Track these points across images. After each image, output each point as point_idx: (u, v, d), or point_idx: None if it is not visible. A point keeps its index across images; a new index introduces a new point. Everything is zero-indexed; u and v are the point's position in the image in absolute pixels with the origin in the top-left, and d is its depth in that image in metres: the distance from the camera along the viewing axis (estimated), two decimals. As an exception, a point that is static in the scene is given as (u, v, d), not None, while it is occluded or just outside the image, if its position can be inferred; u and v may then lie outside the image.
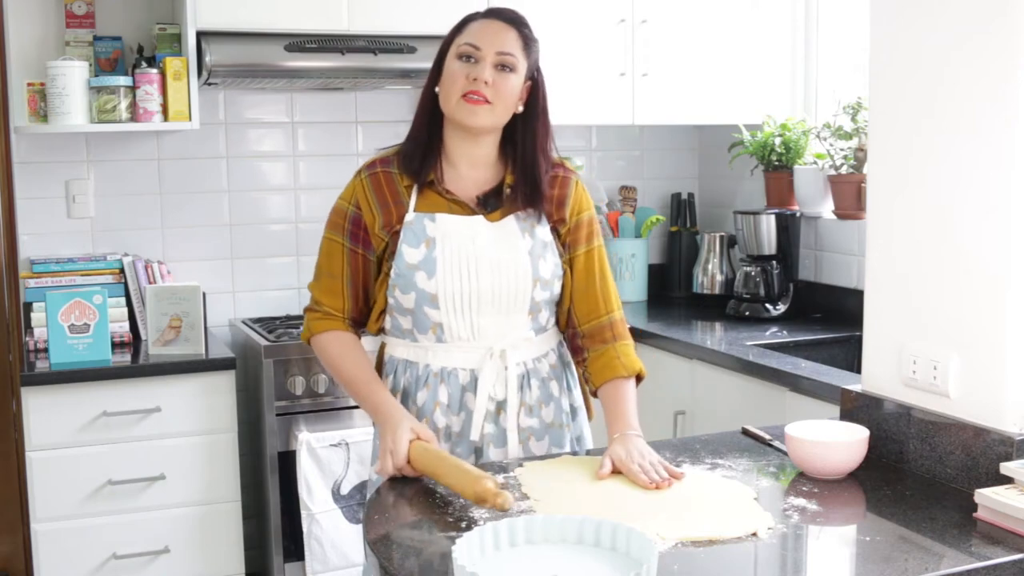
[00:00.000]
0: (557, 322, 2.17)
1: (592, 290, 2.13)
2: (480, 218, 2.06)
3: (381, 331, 2.15)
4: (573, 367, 2.21)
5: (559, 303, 2.14)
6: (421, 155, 2.08)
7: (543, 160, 2.09)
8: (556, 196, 2.12)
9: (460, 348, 2.06)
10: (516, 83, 2.04)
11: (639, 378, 2.12)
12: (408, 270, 2.03)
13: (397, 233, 2.05)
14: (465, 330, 2.05)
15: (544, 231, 2.09)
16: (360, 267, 2.10)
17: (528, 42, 2.07)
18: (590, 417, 2.24)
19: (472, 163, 2.10)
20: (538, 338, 2.12)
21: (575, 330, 2.14)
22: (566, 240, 2.13)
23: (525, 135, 2.09)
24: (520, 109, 2.08)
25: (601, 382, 2.10)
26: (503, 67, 2.02)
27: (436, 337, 2.06)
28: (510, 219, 2.08)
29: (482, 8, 2.14)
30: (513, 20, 2.07)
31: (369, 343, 2.20)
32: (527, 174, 2.08)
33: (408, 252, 2.04)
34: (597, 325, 2.12)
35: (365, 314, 2.15)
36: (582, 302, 2.13)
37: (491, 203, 2.08)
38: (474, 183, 2.10)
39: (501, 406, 2.08)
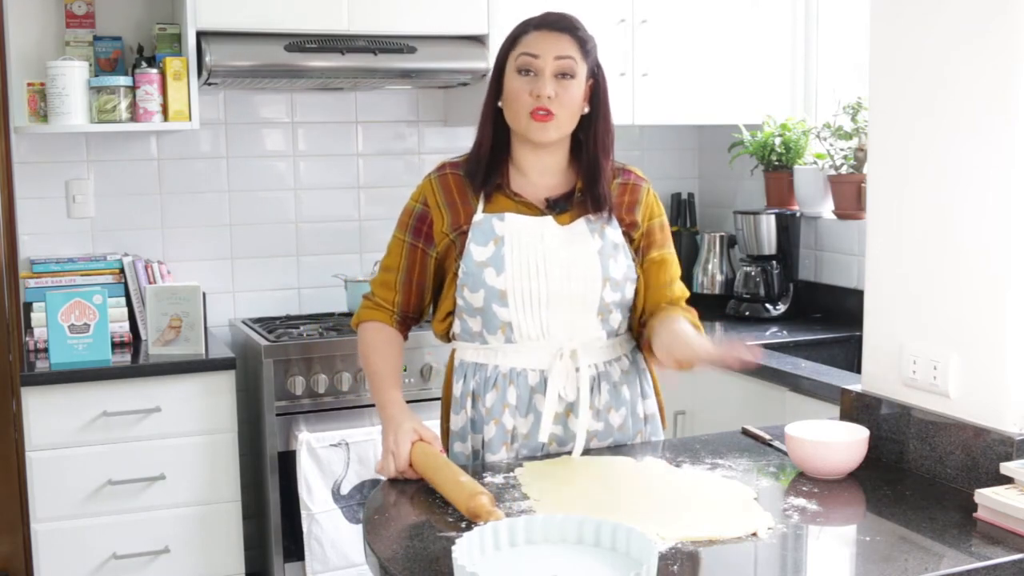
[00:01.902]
0: (631, 328, 2.16)
1: (663, 292, 2.15)
2: (549, 219, 2.06)
3: (451, 337, 2.15)
4: (649, 374, 2.19)
5: (632, 308, 2.13)
6: (485, 170, 2.07)
7: (604, 160, 2.08)
8: (627, 202, 2.11)
9: (530, 348, 2.05)
10: (578, 89, 2.03)
11: None
12: (476, 268, 2.03)
13: (465, 233, 2.06)
14: (535, 329, 2.04)
15: (615, 233, 2.08)
16: (417, 261, 2.11)
17: (584, 44, 2.05)
18: (664, 427, 2.22)
19: (541, 171, 2.10)
20: (609, 341, 2.10)
21: (642, 323, 2.14)
22: (640, 245, 2.12)
23: (588, 136, 2.09)
24: (586, 110, 2.08)
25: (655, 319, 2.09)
26: (563, 75, 2.01)
27: (506, 337, 2.05)
28: (580, 221, 2.07)
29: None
30: (566, 27, 2.05)
31: (405, 342, 2.20)
32: (591, 176, 2.07)
33: (476, 250, 2.03)
34: (663, 304, 2.14)
35: (418, 309, 2.16)
36: (652, 303, 2.14)
37: (560, 206, 2.07)
38: (545, 188, 2.10)
39: (570, 408, 2.06)
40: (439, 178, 2.12)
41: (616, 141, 2.13)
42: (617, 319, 2.10)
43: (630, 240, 2.11)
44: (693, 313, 2.15)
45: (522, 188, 2.09)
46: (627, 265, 2.08)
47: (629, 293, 2.09)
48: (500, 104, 2.07)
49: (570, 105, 2.03)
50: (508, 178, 2.09)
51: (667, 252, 2.17)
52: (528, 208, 2.07)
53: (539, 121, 2.01)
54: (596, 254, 2.05)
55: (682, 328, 1.98)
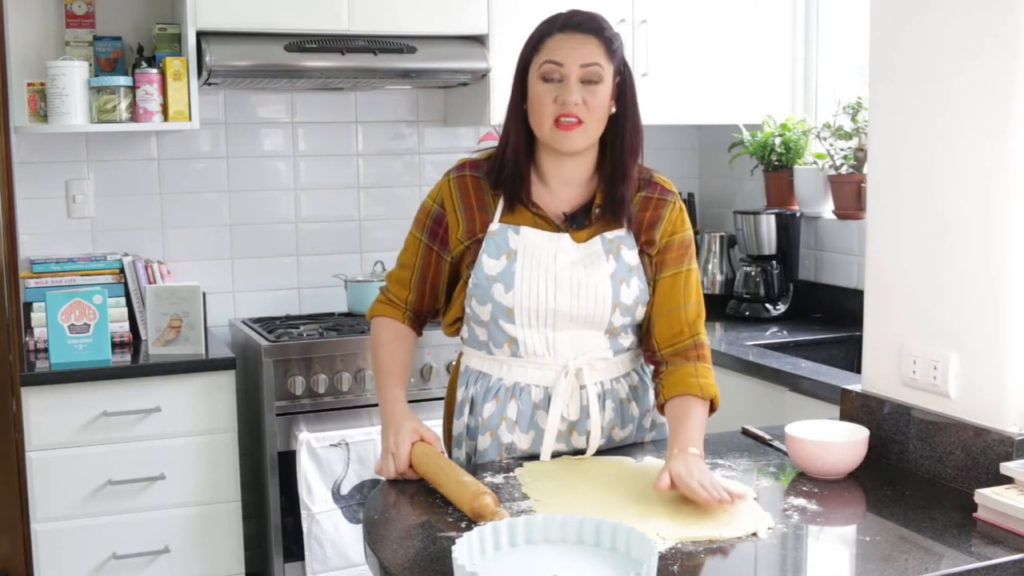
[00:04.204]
0: (641, 343, 2.10)
1: (676, 315, 2.02)
2: (565, 236, 2.00)
3: (461, 340, 2.12)
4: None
5: (643, 326, 2.07)
6: (510, 176, 2.01)
7: (631, 162, 2.01)
8: (648, 218, 2.02)
9: (535, 364, 2.01)
10: (605, 93, 1.95)
11: (713, 408, 2.00)
12: (486, 281, 1.99)
13: (479, 241, 2.01)
14: (540, 346, 2.00)
15: (631, 255, 2.01)
16: (432, 263, 2.08)
17: (611, 44, 1.95)
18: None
19: (565, 181, 2.03)
20: (617, 358, 2.05)
21: (654, 353, 2.05)
22: (655, 261, 2.03)
23: (615, 137, 2.00)
24: (613, 110, 2.00)
25: (671, 396, 1.98)
26: (590, 81, 1.93)
27: (511, 351, 2.02)
28: (596, 240, 2.00)
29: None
30: (591, 28, 1.95)
31: (420, 337, 2.19)
32: (615, 179, 2.00)
33: (488, 263, 1.99)
34: (681, 347, 2.02)
35: (432, 307, 2.13)
36: (664, 326, 2.02)
37: (578, 221, 2.01)
38: (565, 200, 2.03)
39: (573, 425, 2.03)
40: (458, 179, 2.06)
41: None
42: (628, 338, 2.06)
43: (648, 258, 2.03)
44: (708, 368, 2.02)
45: (542, 198, 2.02)
46: (640, 288, 2.01)
47: (640, 315, 2.04)
48: (525, 107, 2.00)
49: (596, 110, 1.94)
50: (529, 187, 2.02)
51: (684, 270, 2.04)
52: (546, 223, 2.01)
53: (564, 129, 1.93)
54: (608, 278, 1.98)
55: (694, 468, 1.77)
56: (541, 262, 1.98)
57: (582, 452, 2.02)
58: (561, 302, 1.97)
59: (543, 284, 1.97)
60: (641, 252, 2.03)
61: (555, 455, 2.04)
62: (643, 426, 2.12)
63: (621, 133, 2.00)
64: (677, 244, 2.05)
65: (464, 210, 2.04)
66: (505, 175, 2.01)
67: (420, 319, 2.15)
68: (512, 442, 2.03)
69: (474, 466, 2.00)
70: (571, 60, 1.93)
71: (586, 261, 1.99)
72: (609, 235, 2.01)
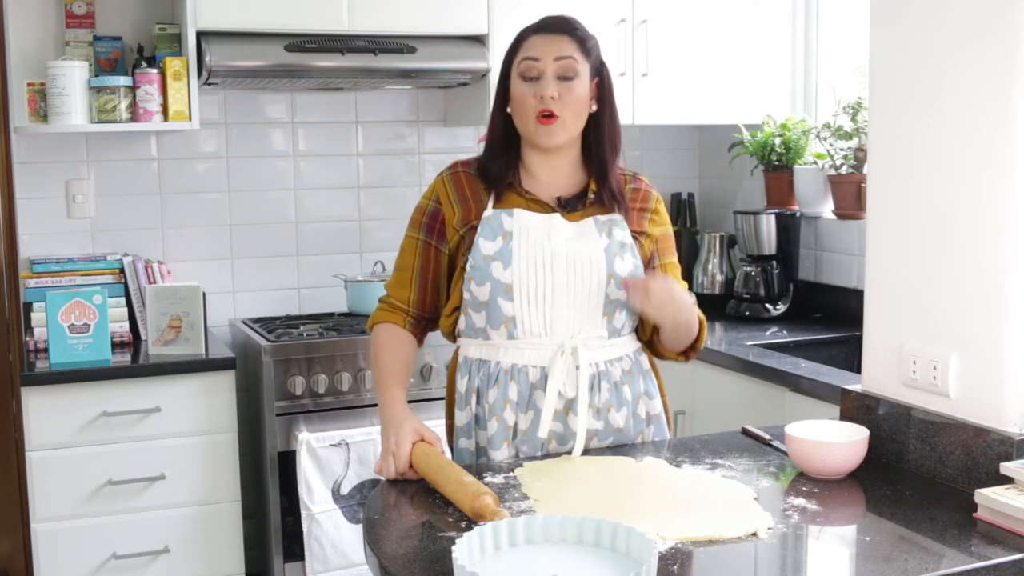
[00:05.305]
0: (639, 329, 2.16)
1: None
2: (558, 216, 2.08)
3: (457, 335, 2.16)
4: (654, 375, 2.19)
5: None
6: (496, 172, 2.11)
7: (611, 157, 2.12)
8: (638, 209, 2.15)
9: (531, 345, 2.06)
10: (581, 89, 2.06)
11: (695, 347, 2.14)
12: (484, 261, 2.04)
13: (474, 228, 2.08)
14: (538, 324, 2.05)
15: (624, 234, 2.10)
16: (431, 258, 2.13)
17: (585, 43, 2.09)
18: (669, 427, 2.22)
19: (553, 173, 2.13)
20: (612, 341, 2.10)
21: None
22: (652, 250, 2.15)
23: (596, 133, 2.12)
24: (593, 108, 2.10)
25: None
26: (565, 77, 2.04)
27: (508, 333, 2.06)
28: (589, 220, 2.08)
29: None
30: (564, 28, 2.09)
31: (420, 346, 2.21)
32: (601, 173, 2.11)
33: (484, 244, 2.05)
34: None
35: (433, 308, 2.16)
36: None
37: (571, 205, 2.10)
38: (556, 189, 2.12)
39: (570, 405, 2.06)
40: (451, 175, 2.15)
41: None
42: (621, 319, 2.10)
43: (639, 243, 2.12)
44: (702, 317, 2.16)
45: (533, 187, 2.11)
46: (634, 264, 2.09)
47: None
48: (509, 110, 2.11)
49: (574, 105, 2.05)
50: (519, 178, 2.11)
51: (673, 259, 2.20)
52: (539, 205, 2.09)
53: (545, 124, 2.04)
54: (603, 251, 2.05)
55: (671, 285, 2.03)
56: (537, 240, 2.05)
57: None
58: (558, 276, 2.03)
59: (540, 259, 2.04)
60: (634, 236, 2.11)
61: (553, 446, 2.05)
62: (638, 415, 2.13)
63: (601, 131, 2.12)
64: (670, 236, 2.22)
65: (459, 201, 2.11)
66: (493, 172, 2.11)
67: (421, 323, 2.17)
68: (515, 423, 2.06)
69: (475, 466, 2.00)
70: (546, 54, 2.05)
71: (580, 237, 2.07)
72: (602, 217, 2.10)
